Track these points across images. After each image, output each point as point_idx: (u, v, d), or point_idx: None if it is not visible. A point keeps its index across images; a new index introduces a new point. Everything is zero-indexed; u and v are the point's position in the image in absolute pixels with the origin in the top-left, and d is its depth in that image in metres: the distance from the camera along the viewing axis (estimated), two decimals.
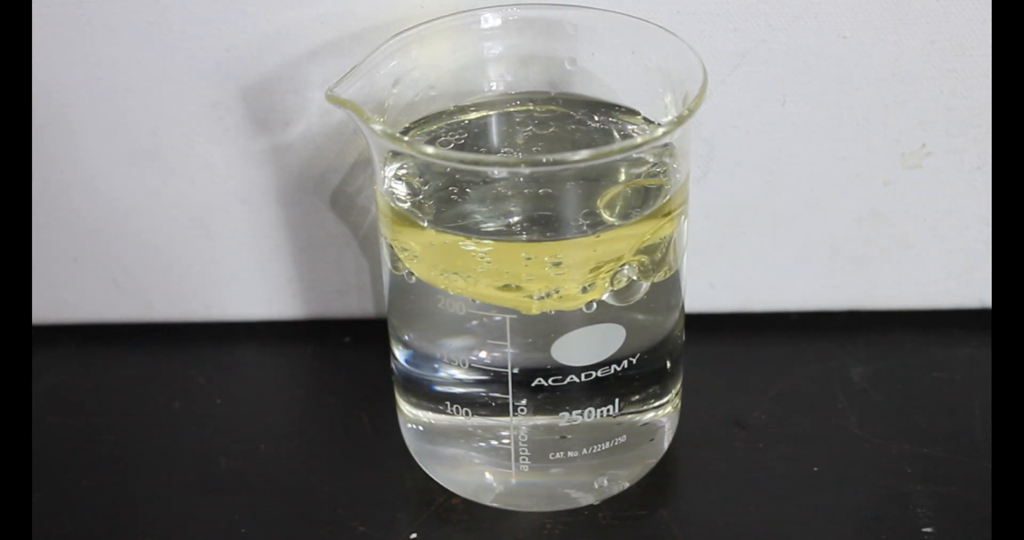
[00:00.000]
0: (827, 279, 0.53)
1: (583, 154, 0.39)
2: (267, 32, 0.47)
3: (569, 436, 0.44)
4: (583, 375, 0.43)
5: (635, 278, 0.42)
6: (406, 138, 0.44)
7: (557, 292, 0.41)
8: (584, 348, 0.42)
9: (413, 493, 0.47)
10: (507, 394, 0.43)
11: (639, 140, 0.40)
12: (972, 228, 0.52)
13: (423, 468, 0.47)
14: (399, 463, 0.48)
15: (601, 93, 0.46)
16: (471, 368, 0.43)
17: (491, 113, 0.46)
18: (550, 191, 0.42)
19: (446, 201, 0.43)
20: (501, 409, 0.43)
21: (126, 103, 0.49)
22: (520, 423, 0.44)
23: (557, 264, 0.41)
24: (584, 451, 0.44)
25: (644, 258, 0.42)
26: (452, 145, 0.45)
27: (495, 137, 0.46)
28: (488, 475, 0.45)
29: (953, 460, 0.48)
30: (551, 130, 0.45)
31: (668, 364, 0.45)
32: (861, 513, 0.46)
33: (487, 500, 0.46)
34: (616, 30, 0.45)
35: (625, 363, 0.43)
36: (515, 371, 0.42)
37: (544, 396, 0.43)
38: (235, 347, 0.54)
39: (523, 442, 0.44)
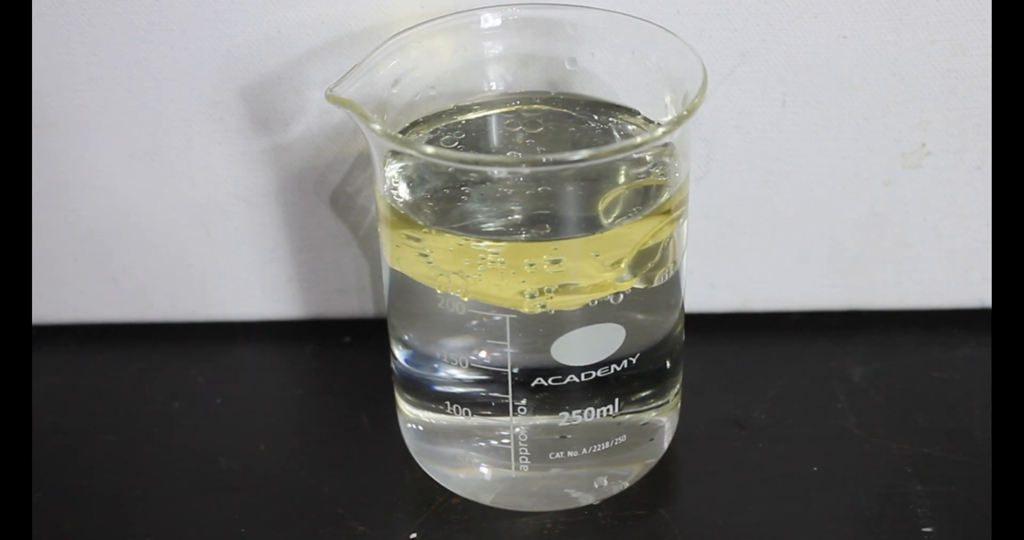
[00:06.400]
0: (827, 279, 0.53)
1: (583, 154, 0.39)
2: (267, 32, 0.47)
3: (569, 436, 0.44)
4: (583, 375, 0.43)
5: (635, 277, 0.42)
6: (406, 138, 0.44)
7: (557, 291, 0.41)
8: (584, 348, 0.42)
9: (413, 493, 0.47)
10: (507, 394, 0.43)
11: (639, 140, 0.40)
12: (972, 228, 0.52)
13: (423, 468, 0.47)
14: (399, 463, 0.48)
15: (601, 93, 0.46)
16: (471, 368, 0.43)
17: (491, 113, 0.46)
18: (550, 191, 0.42)
19: (446, 201, 0.43)
20: (501, 409, 0.43)
21: (126, 103, 0.49)
22: (520, 423, 0.44)
23: (557, 262, 0.41)
24: (584, 451, 0.44)
25: (644, 257, 0.42)
26: (453, 145, 0.45)
27: (495, 137, 0.46)
28: (488, 475, 0.45)
29: (953, 460, 0.48)
30: (551, 130, 0.45)
31: (668, 364, 0.45)
32: (861, 513, 0.46)
33: (487, 500, 0.46)
34: (616, 30, 0.45)
35: (625, 363, 0.43)
36: (515, 371, 0.42)
37: (544, 396, 0.43)
38: (235, 347, 0.54)
39: (523, 442, 0.44)
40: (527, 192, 0.42)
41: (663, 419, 0.47)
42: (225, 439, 0.50)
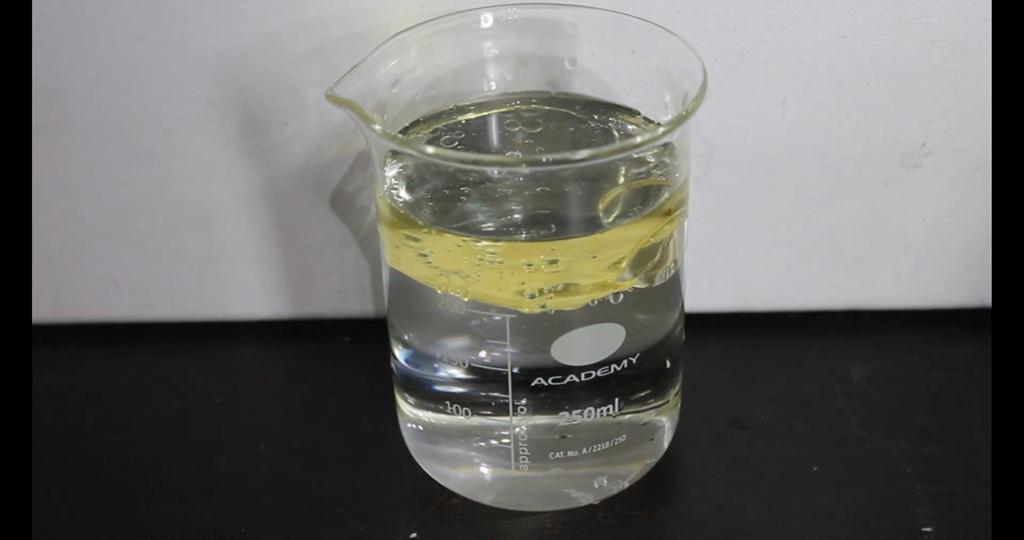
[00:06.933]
0: (827, 279, 0.53)
1: (583, 154, 0.39)
2: (267, 32, 0.47)
3: (569, 436, 0.44)
4: (583, 375, 0.43)
5: (635, 277, 0.42)
6: (406, 138, 0.44)
7: (557, 291, 0.41)
8: (584, 348, 0.42)
9: (413, 493, 0.47)
10: (507, 394, 0.43)
11: (639, 140, 0.40)
12: (972, 228, 0.52)
13: (423, 468, 0.47)
14: (399, 463, 0.48)
15: (601, 93, 0.46)
16: (471, 368, 0.43)
17: (491, 113, 0.46)
18: (550, 191, 0.42)
19: (445, 201, 0.43)
20: (501, 409, 0.43)
21: (126, 103, 0.49)
22: (520, 423, 0.44)
23: (554, 262, 0.41)
24: (584, 451, 0.44)
25: (644, 257, 0.42)
26: (453, 145, 0.45)
27: (495, 137, 0.46)
28: (488, 475, 0.45)
29: (953, 460, 0.48)
30: (551, 130, 0.45)
31: (668, 364, 0.45)
32: (861, 513, 0.46)
33: (487, 500, 0.46)
34: (616, 30, 0.45)
35: (625, 363, 0.43)
36: (515, 371, 0.42)
37: (544, 396, 0.43)
38: (235, 347, 0.54)
39: (523, 442, 0.44)
40: (527, 192, 0.42)
41: (663, 419, 0.47)
42: (225, 439, 0.50)
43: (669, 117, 0.42)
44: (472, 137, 0.45)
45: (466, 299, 0.42)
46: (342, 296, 0.54)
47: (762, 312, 0.54)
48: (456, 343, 0.43)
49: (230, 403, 0.52)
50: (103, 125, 0.49)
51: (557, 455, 0.44)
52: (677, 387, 0.47)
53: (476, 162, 0.41)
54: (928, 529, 0.45)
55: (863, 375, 0.52)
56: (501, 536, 0.46)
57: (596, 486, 0.46)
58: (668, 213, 0.42)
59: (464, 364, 0.43)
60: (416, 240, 0.42)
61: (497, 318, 0.42)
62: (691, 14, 0.47)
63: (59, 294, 0.54)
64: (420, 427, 0.46)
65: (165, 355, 0.54)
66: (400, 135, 0.44)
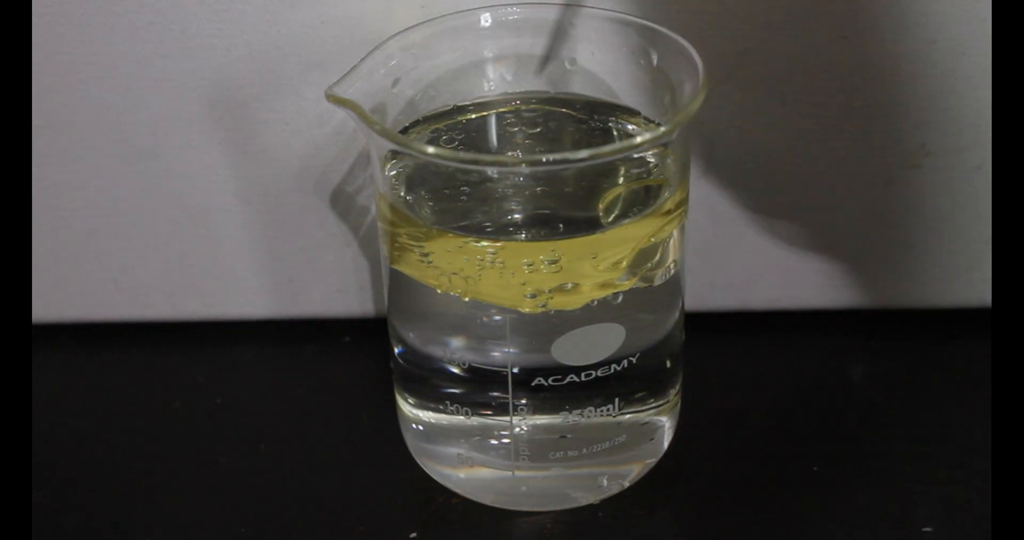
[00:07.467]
0: (827, 279, 0.53)
1: (583, 154, 0.39)
2: (267, 32, 0.47)
3: (569, 435, 0.44)
4: (583, 374, 0.43)
5: (635, 277, 0.42)
6: (405, 137, 0.44)
7: (558, 291, 0.41)
8: (584, 348, 0.42)
9: (413, 493, 0.47)
10: (507, 394, 0.43)
11: (639, 140, 0.40)
12: (972, 228, 0.52)
13: (423, 468, 0.47)
14: (399, 463, 0.48)
15: (601, 93, 0.46)
16: (471, 368, 0.43)
17: (491, 113, 0.46)
18: (550, 191, 0.42)
19: (446, 201, 0.43)
20: (501, 409, 0.43)
21: (126, 103, 0.49)
22: (520, 422, 0.44)
23: (555, 262, 0.41)
24: (584, 450, 0.44)
25: (644, 257, 0.42)
26: (453, 145, 0.45)
27: (495, 137, 0.46)
28: (488, 475, 0.45)
29: (953, 460, 0.48)
30: (550, 130, 0.45)
31: (668, 363, 0.45)
32: (861, 513, 0.46)
33: (487, 500, 0.46)
34: (616, 30, 0.45)
35: (625, 363, 0.43)
36: (515, 371, 0.42)
37: (544, 395, 0.43)
38: (235, 347, 0.54)
39: (523, 441, 0.44)
40: (527, 192, 0.42)
41: (663, 419, 0.47)
42: (225, 439, 0.50)
43: (669, 117, 0.42)
44: (472, 137, 0.45)
45: (466, 299, 0.42)
46: (342, 296, 0.54)
47: (762, 312, 0.54)
48: (456, 343, 0.43)
49: (230, 403, 0.52)
50: (103, 125, 0.49)
51: (557, 455, 0.44)
52: (677, 387, 0.47)
53: (476, 162, 0.41)
54: (928, 529, 0.45)
55: (863, 375, 0.52)
56: (501, 536, 0.46)
57: (596, 486, 0.46)
58: (668, 213, 0.42)
59: (464, 364, 0.43)
60: (416, 240, 0.42)
61: (497, 318, 0.42)
62: (691, 14, 0.47)
63: (59, 294, 0.54)
64: (420, 427, 0.46)
65: (165, 355, 0.54)
66: (400, 135, 0.44)
